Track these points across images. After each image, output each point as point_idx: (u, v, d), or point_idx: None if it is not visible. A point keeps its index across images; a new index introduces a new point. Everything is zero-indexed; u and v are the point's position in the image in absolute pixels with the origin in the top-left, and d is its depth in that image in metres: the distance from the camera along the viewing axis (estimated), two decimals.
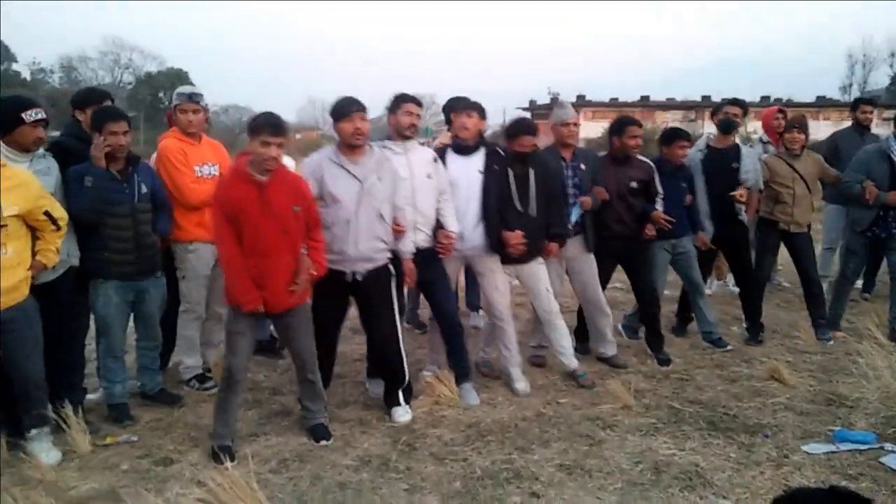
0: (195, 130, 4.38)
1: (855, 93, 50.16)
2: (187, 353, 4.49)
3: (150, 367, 4.21)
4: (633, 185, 4.80)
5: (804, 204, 5.40)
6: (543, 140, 5.08)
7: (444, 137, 5.12)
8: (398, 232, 3.97)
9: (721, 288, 6.94)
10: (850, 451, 3.58)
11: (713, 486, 3.27)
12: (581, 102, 39.00)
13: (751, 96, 31.59)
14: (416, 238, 4.10)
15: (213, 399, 3.85)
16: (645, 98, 42.44)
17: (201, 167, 4.33)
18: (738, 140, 6.37)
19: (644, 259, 5.02)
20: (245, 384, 3.77)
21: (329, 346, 4.07)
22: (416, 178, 4.09)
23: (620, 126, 4.87)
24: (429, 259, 4.19)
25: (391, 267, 3.99)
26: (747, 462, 3.49)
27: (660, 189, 4.90)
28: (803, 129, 5.39)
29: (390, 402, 4.07)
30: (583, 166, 4.69)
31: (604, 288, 4.96)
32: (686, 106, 41.43)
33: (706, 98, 39.66)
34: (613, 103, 39.54)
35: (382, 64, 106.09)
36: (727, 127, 5.36)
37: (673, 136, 5.10)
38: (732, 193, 5.12)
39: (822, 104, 41.78)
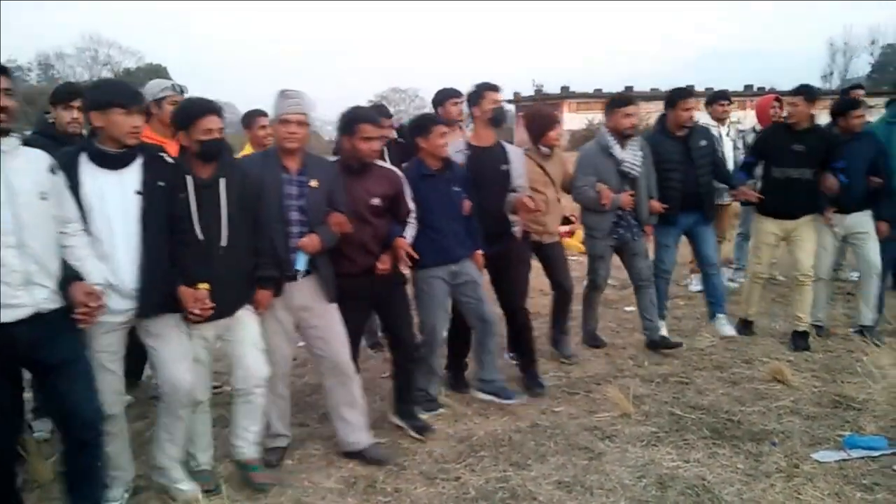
0: None
1: (836, 81, 50.49)
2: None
3: None
4: (376, 201, 3.58)
5: (556, 211, 4.73)
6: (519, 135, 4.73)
7: None
8: None
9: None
10: (862, 457, 3.41)
11: (722, 501, 3.07)
12: (565, 94, 38.88)
13: (733, 86, 31.68)
14: (35, 297, 2.57)
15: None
16: (629, 88, 42.32)
17: None
18: (728, 131, 6.22)
19: (400, 297, 3.84)
20: None
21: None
22: (22, 198, 2.55)
23: (350, 123, 3.54)
24: (56, 330, 2.66)
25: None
26: (756, 474, 3.30)
27: (411, 206, 3.77)
28: (549, 125, 4.65)
29: None
30: (314, 183, 3.37)
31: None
32: None
33: (690, 87, 39.49)
34: (597, 94, 39.36)
35: (366, 57, 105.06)
36: (499, 119, 4.31)
37: (427, 123, 3.93)
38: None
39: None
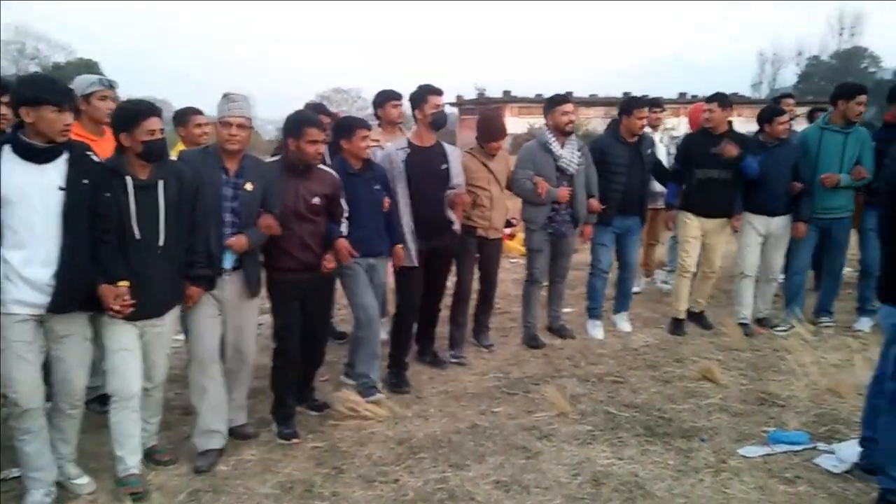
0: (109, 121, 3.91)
1: (765, 90, 52.58)
2: None
3: None
4: (316, 200, 3.68)
5: (500, 207, 4.90)
6: (466, 136, 4.82)
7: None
8: None
9: (650, 285, 6.95)
10: (785, 452, 3.56)
11: (653, 496, 3.16)
12: (507, 98, 39.24)
13: (668, 93, 32.74)
14: None
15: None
16: (569, 94, 42.98)
17: None
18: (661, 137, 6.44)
19: (327, 300, 4.06)
20: None
21: None
22: None
23: (296, 126, 3.62)
24: None
25: None
26: (686, 469, 3.41)
27: (345, 207, 3.91)
28: (495, 135, 4.78)
29: None
30: (249, 186, 3.44)
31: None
32: (608, 102, 42.28)
33: (627, 94, 40.58)
34: (538, 99, 39.86)
35: (308, 57, 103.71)
36: (439, 122, 4.43)
37: (350, 125, 4.04)
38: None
39: (736, 101, 43.47)
